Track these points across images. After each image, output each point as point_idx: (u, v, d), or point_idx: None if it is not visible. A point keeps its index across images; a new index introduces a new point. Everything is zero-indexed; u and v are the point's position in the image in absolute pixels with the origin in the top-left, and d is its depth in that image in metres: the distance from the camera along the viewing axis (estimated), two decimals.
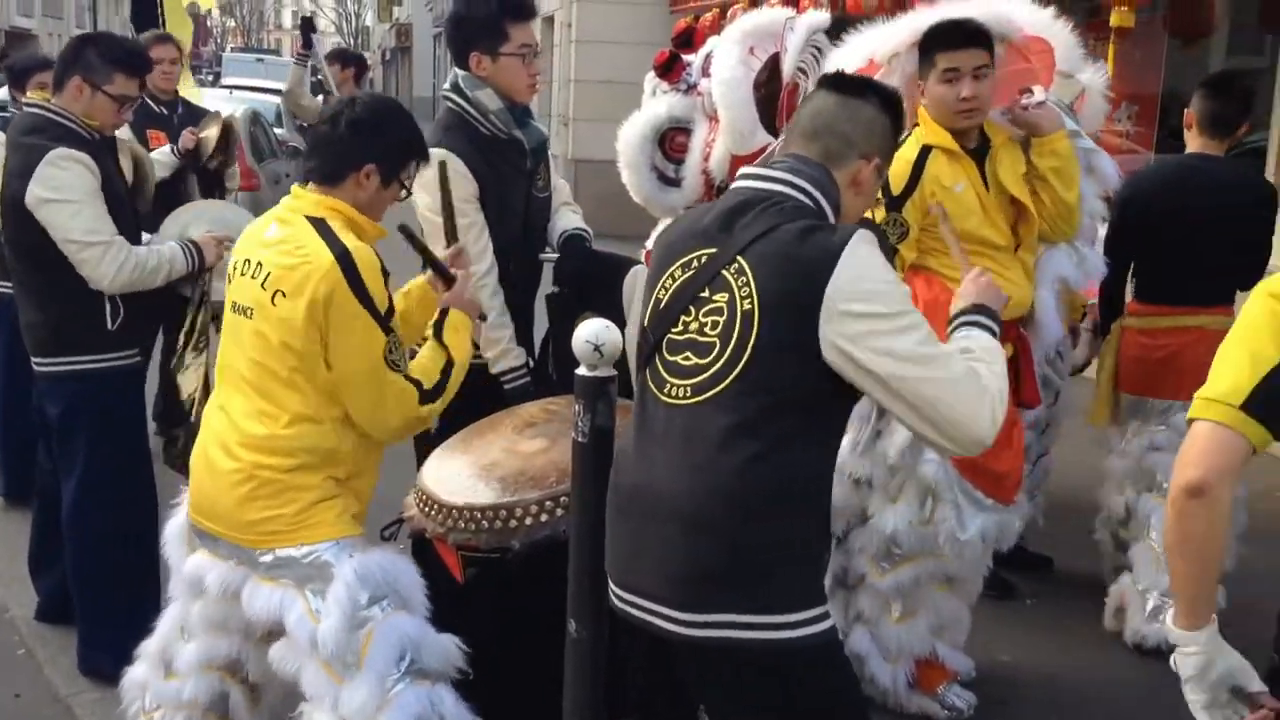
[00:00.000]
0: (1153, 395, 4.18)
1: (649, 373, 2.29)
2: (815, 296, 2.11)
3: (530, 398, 3.38)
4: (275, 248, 2.64)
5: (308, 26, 8.44)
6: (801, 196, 2.25)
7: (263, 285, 2.62)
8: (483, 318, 3.15)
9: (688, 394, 2.20)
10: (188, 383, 3.88)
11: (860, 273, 2.13)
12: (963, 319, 2.41)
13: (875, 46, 3.58)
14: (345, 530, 2.67)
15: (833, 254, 2.13)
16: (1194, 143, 4.16)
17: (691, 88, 4.74)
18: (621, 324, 3.16)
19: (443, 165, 3.26)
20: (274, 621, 2.65)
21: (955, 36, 3.32)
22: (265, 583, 2.65)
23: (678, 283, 2.27)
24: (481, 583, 2.80)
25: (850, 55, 3.61)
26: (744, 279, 2.18)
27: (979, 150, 3.45)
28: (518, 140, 3.55)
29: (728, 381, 2.16)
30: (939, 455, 3.23)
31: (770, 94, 4.43)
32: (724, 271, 2.21)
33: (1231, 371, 1.67)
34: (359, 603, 2.56)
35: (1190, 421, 1.73)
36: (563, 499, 2.70)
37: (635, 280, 3.64)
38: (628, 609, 2.28)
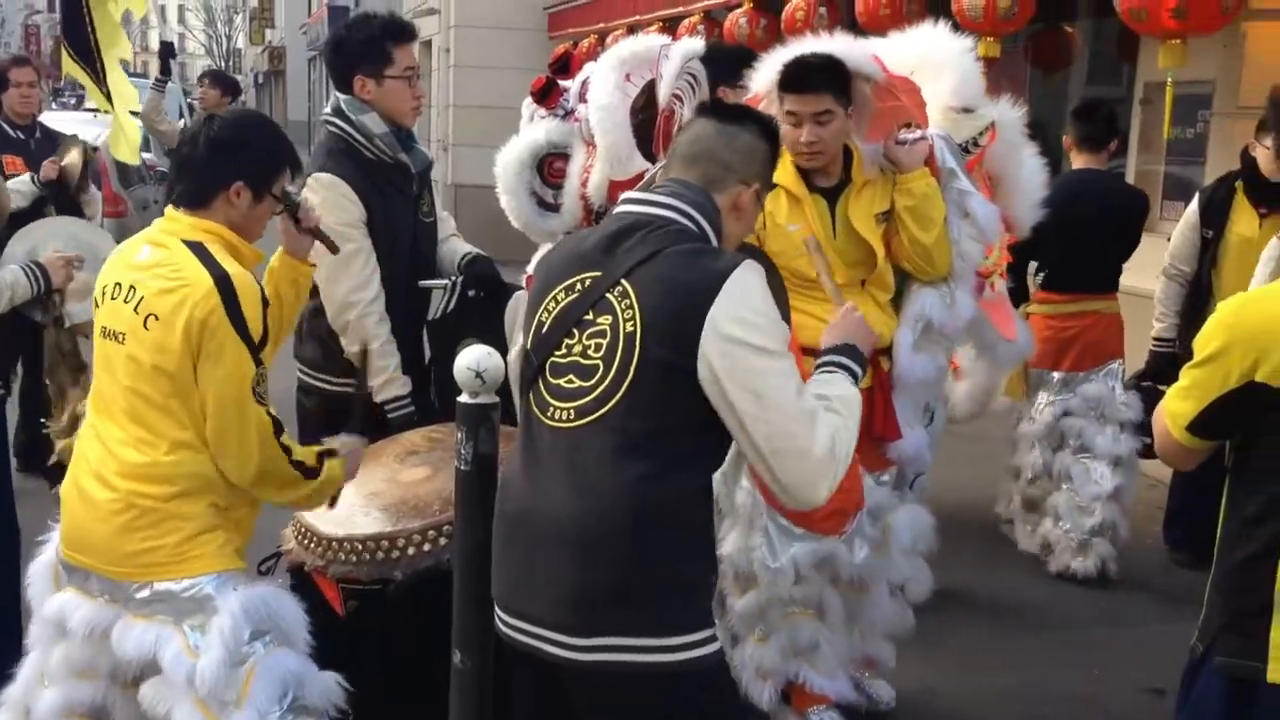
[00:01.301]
0: (1057, 369, 5.06)
1: (532, 396, 2.28)
2: (698, 319, 2.13)
3: (414, 426, 3.34)
4: (149, 271, 2.57)
5: (167, 53, 8.40)
6: (685, 220, 2.27)
7: (135, 309, 2.55)
8: (365, 349, 3.08)
9: (571, 417, 2.20)
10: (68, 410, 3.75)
11: (744, 300, 2.15)
12: (828, 358, 2.41)
13: (757, 81, 3.60)
14: (228, 563, 2.60)
15: (718, 278, 2.15)
16: (1077, 160, 5.06)
17: (569, 113, 4.75)
18: (504, 351, 3.14)
19: None
20: (145, 661, 2.54)
21: (794, 81, 3.31)
22: (138, 619, 2.55)
23: (560, 306, 2.27)
24: (364, 615, 2.75)
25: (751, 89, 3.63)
26: (627, 301, 2.18)
27: (836, 189, 3.43)
28: (404, 164, 3.53)
29: (612, 404, 2.16)
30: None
31: (647, 120, 4.46)
32: (608, 294, 2.21)
33: (1186, 395, 2.14)
34: (242, 638, 2.49)
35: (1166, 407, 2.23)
36: (446, 528, 2.68)
37: (517, 306, 3.64)
38: (515, 635, 2.26)
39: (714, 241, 2.30)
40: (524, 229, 4.88)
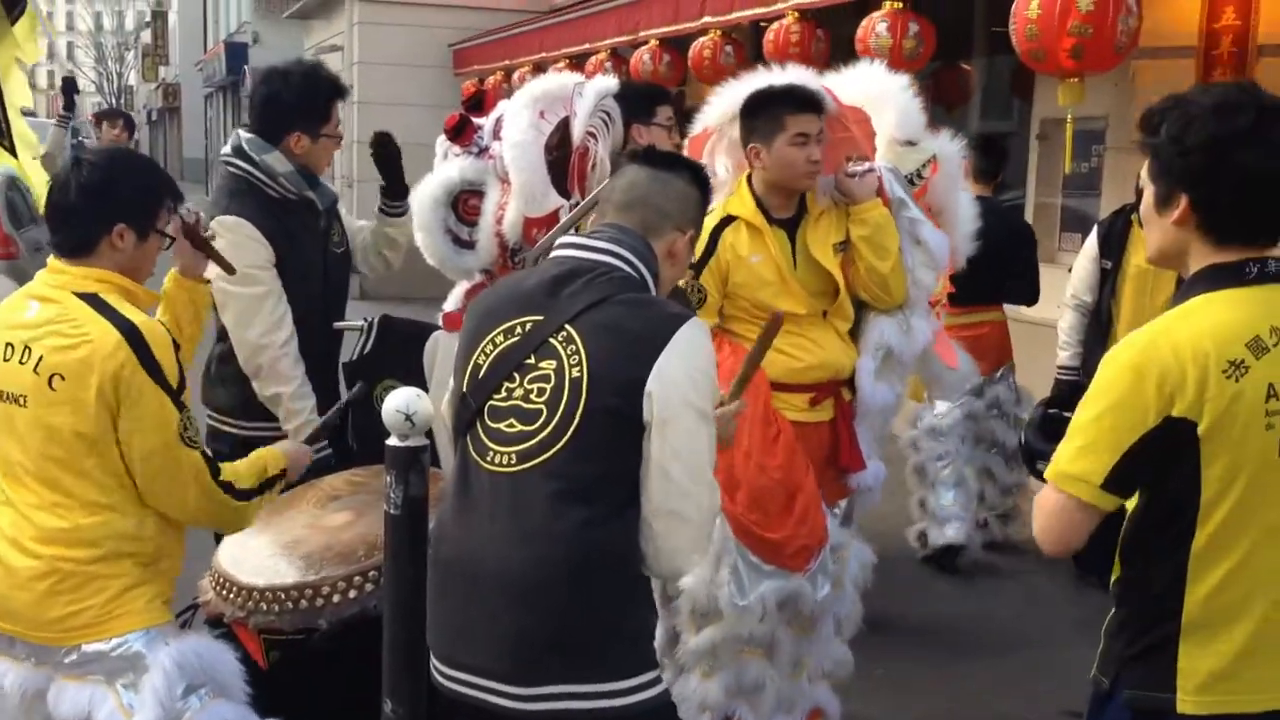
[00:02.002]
0: None
1: (470, 440, 2.25)
2: (645, 367, 2.13)
3: (332, 470, 3.27)
4: (43, 329, 2.47)
5: (70, 87, 8.13)
6: (626, 267, 2.27)
7: (35, 370, 2.45)
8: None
9: (513, 461, 2.17)
10: None
11: (693, 358, 2.16)
12: None
13: (709, 115, 3.61)
14: (156, 618, 2.53)
15: (668, 330, 2.16)
16: (973, 189, 5.25)
17: (483, 151, 4.74)
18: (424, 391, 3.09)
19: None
20: None
21: (806, 102, 3.35)
22: (72, 681, 2.48)
23: (499, 349, 2.24)
24: (287, 665, 2.68)
25: (699, 125, 3.68)
26: (573, 347, 2.17)
27: (794, 220, 3.47)
28: (310, 200, 3.48)
29: (556, 449, 2.14)
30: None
31: (561, 157, 4.47)
32: (551, 339, 2.19)
33: (1092, 451, 1.93)
34: (175, 694, 2.42)
35: (1051, 479, 2.01)
36: (372, 573, 2.62)
37: (435, 347, 3.60)
38: (455, 686, 2.21)
39: (652, 287, 2.30)
40: (439, 266, 4.84)
